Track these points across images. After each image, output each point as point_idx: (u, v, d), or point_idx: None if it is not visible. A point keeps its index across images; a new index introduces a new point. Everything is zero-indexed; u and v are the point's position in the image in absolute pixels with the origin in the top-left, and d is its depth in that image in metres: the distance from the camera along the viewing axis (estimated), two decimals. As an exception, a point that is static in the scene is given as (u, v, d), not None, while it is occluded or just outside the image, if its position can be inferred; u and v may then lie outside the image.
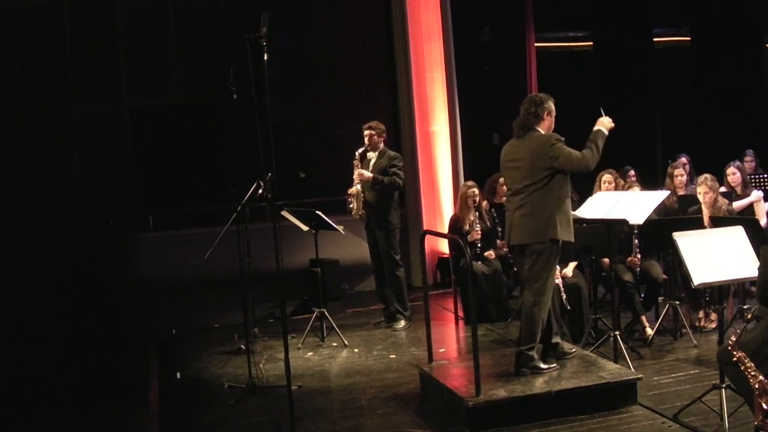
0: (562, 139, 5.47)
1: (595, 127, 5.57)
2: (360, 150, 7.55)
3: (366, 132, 7.58)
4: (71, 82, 10.01)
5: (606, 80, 11.52)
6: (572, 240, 5.50)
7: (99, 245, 9.42)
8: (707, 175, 6.91)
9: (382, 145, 7.63)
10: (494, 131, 11.31)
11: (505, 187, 8.57)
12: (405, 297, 7.77)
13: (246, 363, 6.19)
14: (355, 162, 7.50)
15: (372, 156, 7.61)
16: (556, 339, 5.74)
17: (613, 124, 5.59)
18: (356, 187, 7.51)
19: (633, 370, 5.63)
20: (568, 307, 6.55)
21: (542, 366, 5.47)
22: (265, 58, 4.84)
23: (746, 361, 4.09)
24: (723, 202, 6.93)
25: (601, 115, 5.63)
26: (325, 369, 6.59)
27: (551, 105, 5.57)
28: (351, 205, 7.58)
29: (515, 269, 8.09)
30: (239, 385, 6.10)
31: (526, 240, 5.45)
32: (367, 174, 7.45)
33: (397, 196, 7.69)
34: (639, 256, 6.71)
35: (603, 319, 6.74)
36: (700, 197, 6.86)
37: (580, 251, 6.33)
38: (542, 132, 5.49)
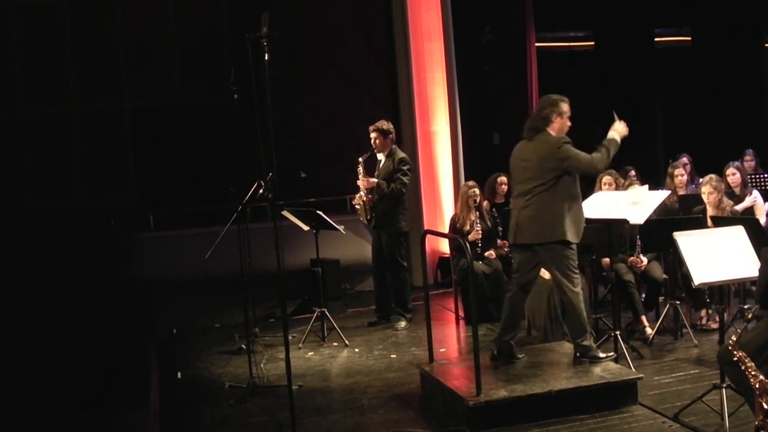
0: (570, 141, 5.50)
1: (610, 134, 5.61)
2: (363, 156, 7.51)
3: (371, 135, 7.55)
4: (71, 82, 10.01)
5: (607, 80, 11.52)
6: (577, 242, 5.53)
7: (99, 245, 9.41)
8: (712, 176, 6.90)
9: (390, 146, 7.57)
10: (494, 131, 11.33)
11: (504, 187, 8.65)
12: (407, 300, 7.76)
13: (247, 363, 6.19)
14: (359, 168, 7.48)
15: (382, 158, 7.60)
16: (509, 338, 5.73)
17: (627, 131, 5.63)
18: (359, 196, 7.51)
19: (633, 369, 5.63)
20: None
21: (600, 355, 5.54)
22: (266, 57, 4.83)
23: (747, 360, 4.09)
24: (728, 203, 6.91)
25: (614, 120, 5.66)
26: (326, 369, 6.59)
27: (563, 106, 5.58)
28: (359, 214, 7.62)
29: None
30: (240, 384, 6.10)
31: (533, 240, 5.51)
32: (371, 180, 7.45)
33: (406, 200, 7.62)
34: (641, 256, 6.70)
35: (603, 319, 6.74)
36: (704, 197, 6.84)
37: (580, 251, 6.31)
38: (552, 134, 5.52)
